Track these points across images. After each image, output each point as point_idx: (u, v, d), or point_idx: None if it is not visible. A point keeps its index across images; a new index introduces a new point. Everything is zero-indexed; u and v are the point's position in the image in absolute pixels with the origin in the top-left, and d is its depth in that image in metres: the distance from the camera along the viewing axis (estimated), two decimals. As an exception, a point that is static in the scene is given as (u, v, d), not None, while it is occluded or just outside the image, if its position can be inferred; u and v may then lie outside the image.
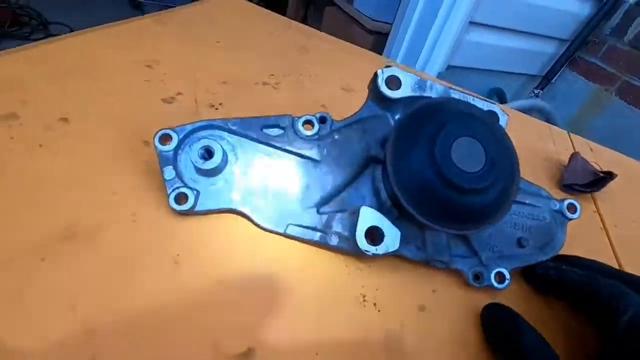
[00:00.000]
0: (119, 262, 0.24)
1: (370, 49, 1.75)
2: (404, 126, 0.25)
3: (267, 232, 0.28)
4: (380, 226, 0.26)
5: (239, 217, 0.28)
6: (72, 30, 2.35)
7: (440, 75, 1.36)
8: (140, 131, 0.33)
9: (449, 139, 0.24)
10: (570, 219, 0.31)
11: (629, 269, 0.37)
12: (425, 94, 0.29)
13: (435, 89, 0.30)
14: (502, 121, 0.30)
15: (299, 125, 0.29)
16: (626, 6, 1.35)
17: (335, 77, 0.52)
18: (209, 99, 0.40)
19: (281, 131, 0.29)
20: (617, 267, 0.37)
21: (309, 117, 0.30)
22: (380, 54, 1.51)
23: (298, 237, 0.28)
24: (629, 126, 1.37)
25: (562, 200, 0.31)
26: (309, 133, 0.29)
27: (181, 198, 0.26)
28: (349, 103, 0.48)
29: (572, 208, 0.31)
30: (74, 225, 0.25)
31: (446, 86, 0.30)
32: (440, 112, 0.25)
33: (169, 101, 0.38)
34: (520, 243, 0.30)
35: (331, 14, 1.94)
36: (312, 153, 0.29)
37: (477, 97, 0.30)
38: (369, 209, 0.26)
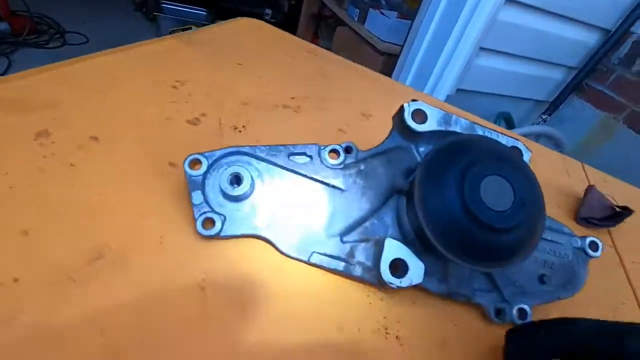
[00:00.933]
0: (147, 286, 0.24)
1: (380, 70, 1.78)
2: (432, 162, 0.26)
3: (291, 259, 0.28)
4: (404, 258, 0.26)
5: (264, 243, 0.28)
6: (88, 40, 2.41)
7: (449, 99, 1.38)
8: (166, 152, 0.34)
9: (478, 178, 0.24)
10: (593, 257, 0.31)
11: (648, 307, 0.36)
12: (451, 128, 0.30)
13: (460, 124, 0.30)
14: (526, 157, 0.31)
15: (325, 154, 0.30)
16: (634, 37, 1.37)
17: (354, 102, 0.53)
18: (233, 121, 0.41)
19: (308, 159, 0.30)
20: (636, 304, 0.36)
21: (335, 147, 0.30)
22: (390, 74, 1.53)
23: (322, 266, 0.28)
24: (636, 154, 1.37)
25: (584, 238, 0.32)
26: (334, 162, 0.30)
27: (208, 223, 0.27)
28: (368, 128, 0.49)
29: (594, 246, 0.31)
30: (104, 247, 0.25)
31: (470, 121, 0.30)
32: (468, 149, 0.25)
33: (194, 122, 0.39)
34: (542, 280, 0.30)
35: (342, 34, 1.98)
36: (338, 182, 0.29)
37: (500, 132, 0.31)
38: (394, 240, 0.27)
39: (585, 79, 1.51)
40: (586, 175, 0.56)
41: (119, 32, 2.49)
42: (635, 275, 0.40)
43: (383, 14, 1.69)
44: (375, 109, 0.53)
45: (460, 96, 1.43)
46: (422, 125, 0.30)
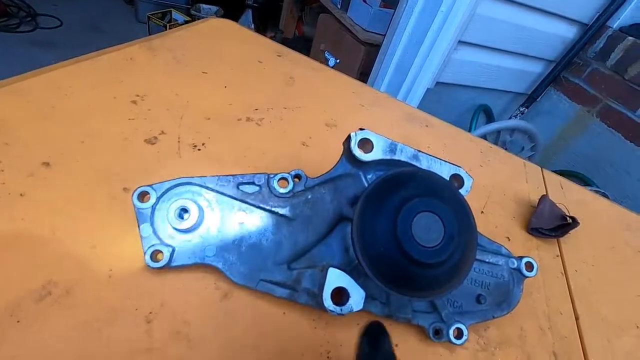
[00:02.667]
0: (93, 323, 0.25)
1: (362, 60, 1.75)
2: (370, 197, 0.27)
3: (239, 286, 0.29)
4: (346, 287, 0.28)
5: (214, 271, 0.29)
6: (61, 24, 2.31)
7: (428, 92, 1.39)
8: (121, 176, 0.34)
9: (411, 214, 0.25)
10: (527, 277, 0.33)
11: (583, 316, 0.39)
12: (396, 157, 0.31)
13: (405, 152, 0.31)
14: (467, 184, 0.32)
15: (274, 183, 0.31)
16: (610, 32, 1.39)
17: (319, 111, 0.54)
18: (192, 138, 0.41)
19: (257, 188, 0.31)
20: (572, 313, 0.39)
21: (284, 175, 0.31)
22: (371, 65, 1.53)
23: (269, 293, 0.29)
24: (608, 148, 1.41)
25: (520, 259, 0.34)
26: (283, 190, 0.31)
27: (157, 255, 0.28)
28: (331, 140, 0.50)
29: (529, 266, 0.33)
30: (51, 282, 0.26)
31: (415, 150, 0.32)
32: (404, 186, 0.27)
33: (152, 142, 0.39)
34: (479, 300, 0.32)
35: (325, 21, 1.95)
36: (286, 211, 0.30)
37: (443, 161, 0.32)
38: (336, 270, 0.28)
39: (563, 72, 1.53)
40: (544, 182, 0.59)
41: (94, 14, 2.39)
42: (576, 284, 0.42)
43: (365, 2, 1.66)
44: (341, 118, 0.53)
45: (440, 89, 1.44)
46: (368, 154, 0.31)
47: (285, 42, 2.59)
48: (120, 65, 0.48)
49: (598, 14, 1.38)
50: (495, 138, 1.49)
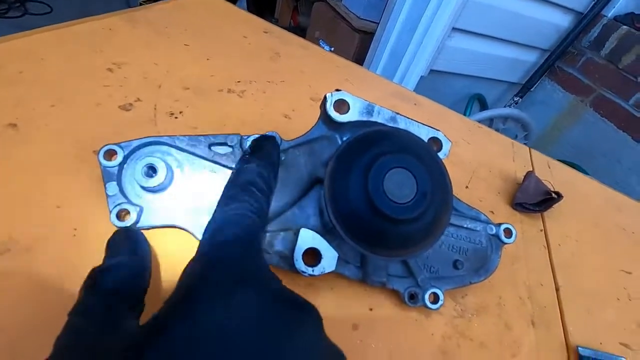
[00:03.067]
0: (54, 280, 0.24)
1: (356, 48, 1.74)
2: (342, 154, 0.26)
3: (210, 249, 0.28)
4: (318, 247, 0.27)
5: (183, 233, 0.29)
6: (52, 10, 2.28)
7: (422, 79, 1.38)
8: (92, 140, 0.33)
9: (382, 170, 0.25)
10: (506, 243, 0.33)
11: (564, 287, 0.39)
12: (373, 119, 0.30)
13: (383, 114, 0.31)
14: (446, 147, 0.31)
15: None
16: (604, 21, 1.39)
17: (304, 86, 0.53)
18: (169, 107, 0.40)
19: (229, 149, 0.30)
20: (553, 286, 0.39)
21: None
22: (366, 53, 1.51)
23: (240, 255, 0.28)
24: (601, 138, 1.42)
25: (499, 225, 0.33)
26: (257, 152, 0.30)
27: (123, 214, 0.27)
28: (314, 113, 0.49)
29: (508, 233, 0.33)
30: (12, 239, 0.25)
31: (393, 112, 0.31)
32: (378, 142, 0.26)
33: (126, 108, 0.38)
34: (456, 265, 0.31)
35: (320, 9, 1.93)
36: (259, 172, 0.30)
37: (421, 123, 0.31)
38: (308, 231, 0.27)
39: (557, 61, 1.53)
40: (531, 161, 0.58)
41: (85, 1, 2.35)
42: (559, 257, 0.42)
43: (360, -11, 1.64)
44: (326, 92, 0.52)
45: (434, 77, 1.43)
46: (344, 115, 0.30)
47: (280, 31, 2.57)
48: (99, 34, 0.47)
49: (593, 2, 1.38)
50: (488, 126, 1.49)
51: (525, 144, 1.57)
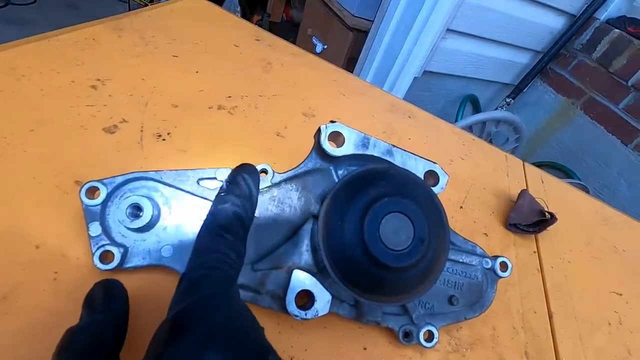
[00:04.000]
0: (33, 330, 0.23)
1: (350, 47, 1.71)
2: (337, 197, 0.25)
3: (199, 289, 0.27)
4: (311, 290, 0.26)
5: (171, 273, 0.27)
6: (35, 1, 2.19)
7: (416, 81, 1.37)
8: (75, 168, 0.31)
9: (379, 215, 0.24)
10: (501, 277, 0.32)
11: (557, 312, 0.39)
12: (368, 152, 0.29)
13: (379, 147, 0.30)
14: (442, 181, 0.31)
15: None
16: (597, 24, 1.39)
17: (297, 100, 0.51)
18: (157, 127, 0.38)
19: (219, 184, 0.28)
20: (546, 311, 0.39)
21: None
22: (360, 52, 1.50)
23: (230, 296, 0.27)
24: (591, 141, 1.43)
25: (495, 259, 0.33)
26: (248, 187, 0.29)
27: (107, 256, 0.26)
28: (307, 130, 0.48)
29: (503, 266, 0.32)
30: (-14, 287, 0.23)
31: (389, 145, 0.30)
32: (374, 184, 0.25)
33: (111, 130, 0.36)
34: (451, 301, 0.31)
35: (313, 5, 1.89)
36: (250, 208, 0.28)
37: (418, 156, 0.30)
38: (301, 272, 0.26)
39: (550, 63, 1.53)
40: (525, 176, 0.58)
41: (70, -8, 2.27)
42: (552, 281, 0.42)
43: (354, -14, 1.62)
44: (319, 107, 0.51)
45: (428, 78, 1.42)
46: (339, 149, 0.29)
47: (272, 26, 2.52)
48: (82, 45, 0.45)
49: (586, 5, 1.38)
50: (481, 129, 1.49)
51: (516, 147, 1.57)
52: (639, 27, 1.36)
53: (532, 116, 1.61)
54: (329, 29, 1.74)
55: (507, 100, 1.59)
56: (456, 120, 1.51)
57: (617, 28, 1.35)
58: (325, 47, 1.78)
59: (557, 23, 1.45)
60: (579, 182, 1.37)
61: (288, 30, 2.43)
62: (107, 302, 0.22)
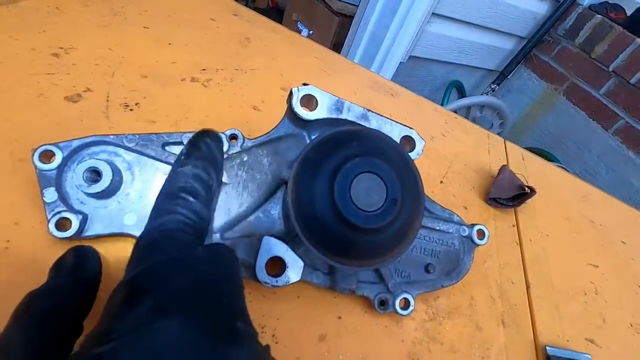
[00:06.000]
0: (-20, 300, 0.21)
1: (335, 32, 1.69)
2: (307, 158, 0.24)
3: (165, 258, 0.26)
4: (282, 257, 0.25)
5: (134, 241, 0.26)
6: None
7: (402, 65, 1.36)
8: (31, 137, 0.29)
9: (350, 175, 0.23)
10: (478, 245, 0.32)
11: (535, 283, 0.39)
12: (342, 116, 0.28)
13: (353, 111, 0.29)
14: (419, 146, 0.30)
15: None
16: (580, 9, 1.40)
17: (275, 74, 0.50)
18: (124, 97, 0.36)
19: (185, 149, 0.27)
20: (524, 282, 0.39)
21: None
22: (345, 37, 1.47)
23: (199, 265, 0.26)
24: (573, 126, 1.45)
25: (472, 226, 0.32)
26: (216, 152, 0.27)
27: (64, 224, 0.24)
28: (286, 105, 0.46)
29: (480, 234, 0.32)
30: None
31: (364, 109, 0.29)
32: (345, 144, 0.24)
33: (74, 99, 0.34)
34: (427, 269, 0.30)
35: (298, -10, 1.86)
36: (219, 174, 0.27)
37: (394, 121, 0.29)
38: (271, 238, 0.25)
39: (534, 49, 1.54)
40: (506, 154, 0.58)
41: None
42: (530, 254, 0.42)
43: (339, -30, 1.59)
44: (299, 82, 0.50)
45: (413, 63, 1.42)
46: (312, 112, 0.28)
47: (257, 12, 2.47)
48: (44, 14, 0.42)
49: (570, -10, 1.38)
50: (466, 114, 1.50)
51: (500, 132, 1.59)
52: (620, 12, 1.38)
53: (517, 102, 1.62)
54: (314, 14, 1.71)
55: (492, 86, 1.59)
56: (442, 106, 1.51)
57: (599, 14, 1.36)
58: (311, 32, 1.75)
59: (540, 8, 1.45)
60: (559, 165, 1.39)
61: (273, 17, 2.38)
62: (75, 267, 0.20)
